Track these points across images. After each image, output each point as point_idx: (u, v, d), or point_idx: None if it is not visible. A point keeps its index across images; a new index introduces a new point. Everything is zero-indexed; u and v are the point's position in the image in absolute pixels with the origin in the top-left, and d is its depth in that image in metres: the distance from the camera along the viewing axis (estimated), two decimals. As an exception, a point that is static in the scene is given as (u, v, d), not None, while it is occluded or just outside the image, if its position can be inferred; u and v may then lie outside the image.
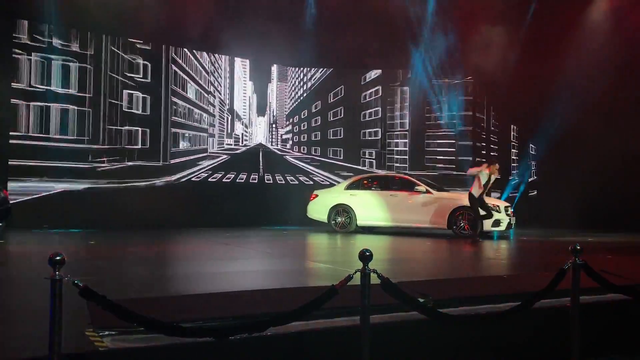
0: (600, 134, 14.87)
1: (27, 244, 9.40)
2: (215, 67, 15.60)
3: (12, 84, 12.07)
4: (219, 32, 13.87)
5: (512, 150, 18.75)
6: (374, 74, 17.21)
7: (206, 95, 15.40)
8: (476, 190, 10.86)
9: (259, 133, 16.17)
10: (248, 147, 15.97)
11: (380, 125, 17.35)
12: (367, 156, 17.26)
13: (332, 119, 17.06)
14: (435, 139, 17.36)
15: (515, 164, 18.62)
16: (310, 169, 16.64)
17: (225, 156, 15.55)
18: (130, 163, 13.71)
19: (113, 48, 13.48)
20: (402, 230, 12.41)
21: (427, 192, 12.07)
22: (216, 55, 15.45)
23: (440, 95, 17.09)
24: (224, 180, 15.20)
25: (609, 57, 14.73)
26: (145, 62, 13.94)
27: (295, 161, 16.54)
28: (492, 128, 18.23)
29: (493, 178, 11.09)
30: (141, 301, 3.96)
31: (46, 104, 12.48)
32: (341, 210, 12.70)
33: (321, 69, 16.77)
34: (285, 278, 6.10)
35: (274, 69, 16.30)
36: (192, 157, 14.89)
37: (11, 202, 10.05)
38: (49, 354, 2.62)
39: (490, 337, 4.17)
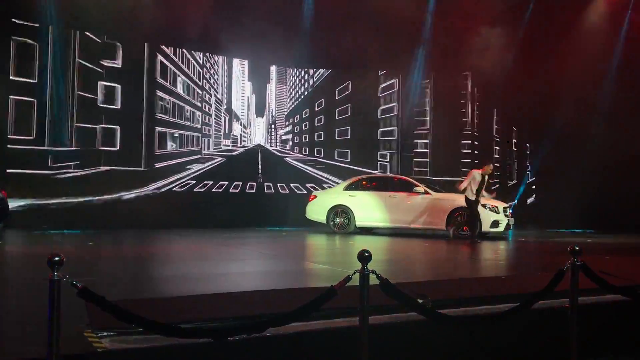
0: (600, 135, 14.89)
1: (27, 245, 9.38)
2: (211, 64, 14.95)
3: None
4: (217, 32, 13.78)
5: (513, 149, 18.76)
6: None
7: (200, 91, 14.57)
8: (470, 194, 10.84)
9: (257, 134, 15.81)
10: (246, 147, 15.50)
11: (396, 123, 16.51)
12: (379, 158, 16.39)
13: (338, 117, 16.30)
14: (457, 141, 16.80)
15: (515, 164, 18.64)
16: (318, 174, 15.67)
17: (220, 158, 14.89)
18: (105, 168, 12.46)
19: (87, 33, 12.45)
20: (401, 231, 12.40)
21: (426, 193, 12.06)
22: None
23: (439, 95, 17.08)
24: (213, 190, 14.23)
25: (608, 57, 14.75)
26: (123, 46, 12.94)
27: (297, 163, 16.00)
28: (496, 126, 18.12)
29: (487, 178, 11.10)
30: (140, 302, 3.95)
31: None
32: (340, 211, 12.68)
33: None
34: (284, 279, 6.10)
35: (273, 69, 15.98)
36: (180, 160, 13.77)
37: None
38: (48, 354, 2.61)
39: (489, 338, 4.16)
